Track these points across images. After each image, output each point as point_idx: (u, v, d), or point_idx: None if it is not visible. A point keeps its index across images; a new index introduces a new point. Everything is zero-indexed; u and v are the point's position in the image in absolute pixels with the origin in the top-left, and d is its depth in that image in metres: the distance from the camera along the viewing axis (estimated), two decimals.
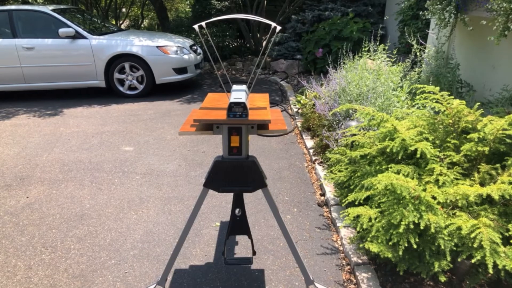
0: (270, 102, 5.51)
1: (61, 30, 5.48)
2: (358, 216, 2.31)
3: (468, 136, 2.24)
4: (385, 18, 7.40)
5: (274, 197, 3.00)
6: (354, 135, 2.82)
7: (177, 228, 2.60)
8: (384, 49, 4.36)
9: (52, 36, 5.59)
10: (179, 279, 2.15)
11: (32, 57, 5.56)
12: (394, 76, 3.83)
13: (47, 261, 2.29)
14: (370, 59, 4.44)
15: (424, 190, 2.04)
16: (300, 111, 4.90)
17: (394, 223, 1.89)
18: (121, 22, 13.45)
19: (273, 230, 2.59)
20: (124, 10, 14.08)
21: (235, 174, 1.71)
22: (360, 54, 4.99)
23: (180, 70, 5.94)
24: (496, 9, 2.86)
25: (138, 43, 5.67)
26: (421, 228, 1.82)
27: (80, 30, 5.63)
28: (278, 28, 1.61)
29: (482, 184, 2.07)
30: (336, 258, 2.31)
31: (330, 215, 2.75)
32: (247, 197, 2.99)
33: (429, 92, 2.58)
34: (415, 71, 3.98)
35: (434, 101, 2.47)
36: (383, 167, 2.35)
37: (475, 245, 1.75)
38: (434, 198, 2.00)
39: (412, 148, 2.22)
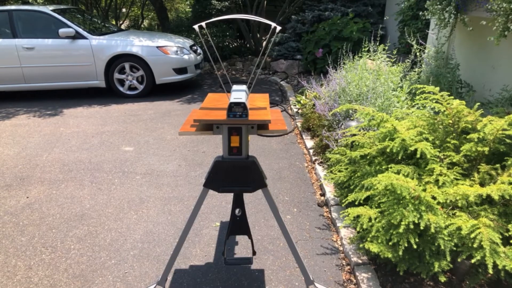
0: (270, 102, 5.51)
1: (61, 30, 5.48)
2: (358, 216, 2.32)
3: (468, 136, 2.24)
4: (385, 18, 7.40)
5: (274, 197, 3.00)
6: (354, 135, 2.83)
7: (177, 228, 2.61)
8: (384, 49, 4.36)
9: (52, 36, 5.59)
10: (179, 279, 2.15)
11: (32, 57, 5.56)
12: (394, 76, 3.83)
13: (47, 261, 2.29)
14: (370, 59, 4.44)
15: (424, 190, 2.04)
16: (300, 111, 4.90)
17: (394, 223, 1.89)
18: (121, 22, 13.46)
19: (273, 230, 2.59)
20: (124, 10, 14.09)
21: (235, 174, 1.71)
22: (360, 54, 4.99)
23: (180, 70, 5.94)
24: (496, 9, 2.86)
25: (138, 43, 5.67)
26: (421, 228, 1.82)
27: (80, 30, 5.63)
28: (278, 28, 1.61)
29: (482, 184, 2.08)
30: (336, 258, 2.31)
31: (330, 215, 2.75)
32: (247, 197, 2.99)
33: (429, 92, 2.58)
34: (415, 71, 3.98)
35: (434, 101, 2.47)
36: (383, 167, 2.36)
37: (475, 245, 1.75)
38: (434, 198, 2.00)
39: (412, 148, 2.22)
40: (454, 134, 2.35)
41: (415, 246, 1.83)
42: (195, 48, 6.47)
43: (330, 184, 3.03)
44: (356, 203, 2.29)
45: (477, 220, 1.84)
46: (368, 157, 2.54)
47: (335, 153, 2.96)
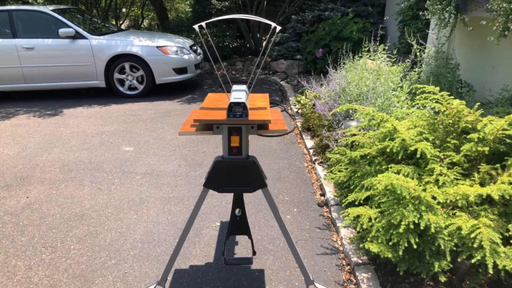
0: (270, 102, 5.51)
1: (61, 30, 5.48)
2: (358, 216, 2.32)
3: (468, 136, 2.24)
4: (385, 18, 7.40)
5: (274, 197, 3.00)
6: (354, 135, 2.82)
7: (177, 228, 2.61)
8: (384, 49, 4.36)
9: (52, 36, 5.59)
10: (179, 279, 2.15)
11: (32, 57, 5.56)
12: (394, 76, 3.83)
13: (47, 261, 2.29)
14: (370, 59, 4.44)
15: (424, 190, 2.04)
16: (300, 111, 4.90)
17: (394, 223, 1.89)
18: (121, 22, 13.46)
19: (273, 230, 2.59)
20: (124, 10, 14.08)
21: (235, 174, 1.71)
22: (360, 54, 4.99)
23: (180, 70, 5.94)
24: (496, 9, 2.86)
25: (138, 43, 5.67)
26: (421, 228, 1.82)
27: (80, 30, 5.63)
28: (278, 28, 1.61)
29: (482, 184, 2.07)
30: (336, 258, 2.31)
31: (330, 215, 2.75)
32: (247, 197, 2.99)
33: (429, 92, 2.58)
34: (415, 71, 3.98)
35: (434, 101, 2.47)
36: (383, 167, 2.35)
37: (475, 245, 1.75)
38: (434, 198, 2.00)
39: (412, 148, 2.22)
40: (454, 134, 2.35)
41: (415, 246, 1.83)
42: (195, 48, 6.47)
43: (330, 184, 3.03)
44: (356, 203, 2.29)
45: (477, 220, 1.84)
46: (368, 157, 2.54)
47: (335, 153, 2.96)
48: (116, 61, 5.70)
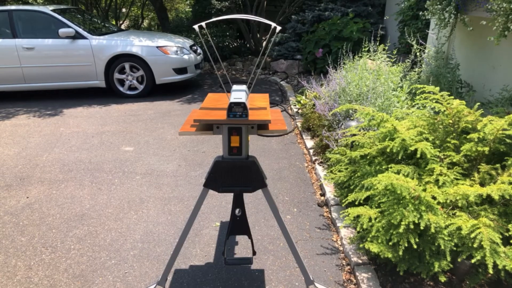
0: (270, 102, 5.51)
1: (61, 30, 5.48)
2: (358, 216, 2.32)
3: (468, 136, 2.24)
4: (385, 18, 7.40)
5: (274, 197, 3.00)
6: (354, 135, 2.82)
7: (177, 228, 2.61)
8: (384, 49, 4.36)
9: (52, 36, 5.59)
10: (179, 279, 2.15)
11: (32, 57, 5.56)
12: (394, 76, 3.83)
13: (47, 261, 2.29)
14: (370, 59, 4.44)
15: (424, 190, 2.04)
16: (300, 111, 4.90)
17: (394, 223, 1.89)
18: (121, 22, 13.46)
19: (273, 230, 2.59)
20: (124, 10, 14.09)
21: (235, 174, 1.71)
22: (360, 54, 4.99)
23: (180, 70, 5.94)
24: (496, 9, 2.86)
25: (138, 43, 5.67)
26: (421, 228, 1.82)
27: (80, 30, 5.63)
28: (278, 28, 1.61)
29: (482, 184, 2.08)
30: (336, 258, 2.31)
31: (330, 215, 2.75)
32: (247, 197, 2.99)
33: (429, 92, 2.58)
34: (415, 71, 3.98)
35: (434, 101, 2.47)
36: (383, 167, 2.36)
37: (475, 245, 1.75)
38: (434, 198, 2.00)
39: (412, 148, 2.22)
40: (454, 134, 2.35)
41: (415, 246, 1.83)
42: (195, 48, 6.47)
43: (330, 184, 3.03)
44: (356, 203, 2.29)
45: (477, 220, 1.84)
46: (368, 157, 2.54)
47: (335, 153, 2.96)
48: (116, 61, 5.70)
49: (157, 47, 5.72)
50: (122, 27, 13.33)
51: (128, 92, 5.93)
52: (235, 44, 8.83)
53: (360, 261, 2.18)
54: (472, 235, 1.77)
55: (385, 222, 1.95)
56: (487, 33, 3.53)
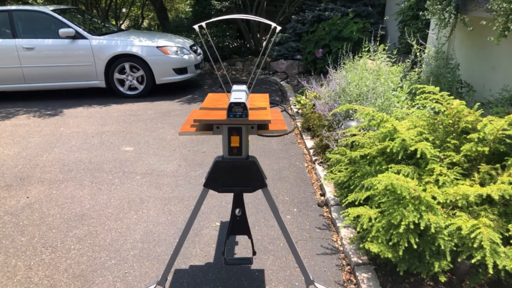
0: (270, 102, 5.51)
1: (61, 30, 5.48)
2: (358, 216, 2.32)
3: (468, 136, 2.24)
4: (385, 18, 7.40)
5: (274, 197, 3.00)
6: (354, 135, 2.83)
7: (177, 228, 2.61)
8: (384, 49, 4.36)
9: (52, 36, 5.59)
10: (179, 279, 2.15)
11: (32, 57, 5.56)
12: (394, 76, 3.83)
13: (47, 261, 2.29)
14: (370, 59, 4.44)
15: (424, 190, 2.04)
16: (300, 111, 4.90)
17: (394, 223, 1.89)
18: (121, 22, 13.46)
19: (273, 230, 2.59)
20: (124, 10, 14.09)
21: (235, 174, 1.71)
22: (360, 54, 4.99)
23: (180, 70, 5.94)
24: (496, 9, 2.86)
25: (138, 44, 5.67)
26: (421, 228, 1.82)
27: (80, 30, 5.63)
28: (278, 28, 1.61)
29: (482, 184, 2.08)
30: (336, 258, 2.31)
31: (330, 215, 2.75)
32: (247, 197, 2.99)
33: (429, 92, 2.58)
34: (415, 71, 3.98)
35: (434, 101, 2.47)
36: (383, 167, 2.36)
37: (475, 245, 1.75)
38: (434, 198, 2.00)
39: (412, 148, 2.22)
40: (454, 134, 2.35)
41: (415, 246, 1.83)
42: (195, 48, 6.47)
43: (330, 184, 3.03)
44: (356, 203, 2.29)
45: (477, 220, 1.84)
46: (368, 157, 2.54)
47: (335, 153, 2.96)
48: (116, 61, 5.70)
49: (157, 47, 5.72)
50: (122, 27, 13.33)
51: (128, 92, 5.93)
52: (235, 44, 8.83)
53: (360, 261, 2.18)
54: (472, 235, 1.77)
55: (385, 222, 1.95)
56: (487, 33, 3.53)
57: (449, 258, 1.82)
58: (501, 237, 1.80)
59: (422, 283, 2.04)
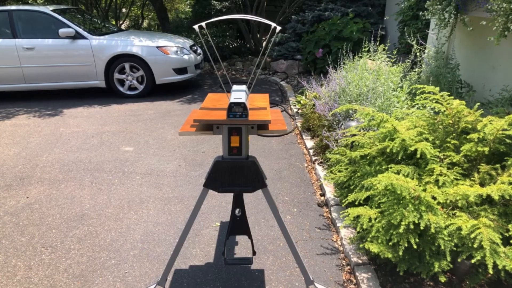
0: (270, 102, 5.51)
1: (61, 30, 5.48)
2: (358, 216, 2.32)
3: (468, 137, 2.24)
4: (385, 18, 7.40)
5: (274, 197, 3.00)
6: (354, 135, 2.83)
7: (177, 228, 2.61)
8: (384, 50, 4.36)
9: (52, 36, 5.59)
10: (179, 279, 2.15)
11: (32, 57, 5.56)
12: (394, 77, 3.83)
13: (47, 261, 2.29)
14: (370, 59, 4.44)
15: (424, 190, 2.04)
16: (300, 111, 4.90)
17: (394, 223, 1.89)
18: (121, 22, 13.46)
19: (273, 230, 2.59)
20: (124, 10, 14.09)
21: (235, 174, 1.71)
22: (360, 55, 4.99)
23: (180, 70, 5.94)
24: (496, 9, 2.86)
25: (138, 44, 5.67)
26: (421, 228, 1.82)
27: (80, 30, 5.63)
28: (278, 28, 1.61)
29: (482, 185, 2.08)
30: (336, 258, 2.31)
31: (330, 215, 2.75)
32: (247, 197, 2.99)
33: (429, 93, 2.58)
34: (415, 72, 3.98)
35: (434, 101, 2.47)
36: (383, 167, 2.36)
37: (475, 245, 1.75)
38: (434, 198, 2.00)
39: (412, 149, 2.22)
40: (454, 134, 2.35)
41: (415, 246, 1.83)
42: (195, 48, 6.47)
43: (330, 184, 3.03)
44: (356, 203, 2.29)
45: (477, 220, 1.84)
46: (368, 157, 2.54)
47: (335, 153, 2.96)
48: (116, 61, 5.70)
49: (157, 47, 5.72)
50: (122, 27, 13.33)
51: (128, 92, 5.93)
52: (235, 44, 8.83)
53: (360, 261, 2.18)
54: (472, 235, 1.77)
55: (385, 222, 1.95)
56: (487, 33, 3.53)
57: (449, 258, 1.82)
58: (501, 237, 1.80)
59: (422, 283, 2.04)
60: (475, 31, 3.76)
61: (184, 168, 3.51)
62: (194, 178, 3.33)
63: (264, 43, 8.75)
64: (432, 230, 1.82)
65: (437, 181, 2.11)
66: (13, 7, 5.63)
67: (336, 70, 5.26)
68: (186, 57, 5.97)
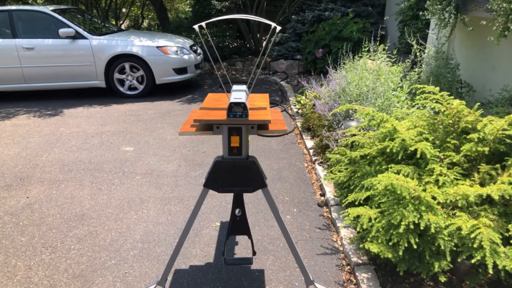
0: (270, 102, 5.51)
1: (61, 30, 5.48)
2: (358, 216, 2.32)
3: (468, 136, 2.24)
4: (385, 18, 7.40)
5: (274, 197, 3.00)
6: (354, 135, 2.83)
7: (177, 228, 2.61)
8: (384, 49, 4.36)
9: (52, 36, 5.59)
10: (179, 279, 2.15)
11: (32, 57, 5.56)
12: (394, 76, 3.83)
13: (47, 261, 2.29)
14: (370, 59, 4.44)
15: (424, 190, 2.04)
16: (300, 111, 4.90)
17: (394, 223, 1.89)
18: (121, 22, 13.46)
19: (273, 230, 2.59)
20: (124, 10, 14.08)
21: (235, 174, 1.71)
22: (360, 54, 4.99)
23: (180, 70, 5.94)
24: (496, 9, 2.86)
25: (138, 43, 5.67)
26: (421, 228, 1.82)
27: (80, 30, 5.63)
28: (278, 28, 1.61)
29: (482, 185, 2.08)
30: (336, 258, 2.31)
31: (330, 215, 2.75)
32: (247, 197, 2.99)
33: (429, 92, 2.58)
34: (415, 71, 3.98)
35: (434, 101, 2.47)
36: (383, 167, 2.36)
37: (475, 246, 1.75)
38: (434, 198, 2.00)
39: (412, 148, 2.22)
40: (454, 134, 2.35)
41: (415, 246, 1.83)
42: (195, 48, 6.47)
43: (330, 184, 3.03)
44: (356, 203, 2.29)
45: (477, 220, 1.84)
46: (368, 157, 2.54)
47: (335, 153, 2.96)
48: (116, 61, 5.70)
49: (157, 47, 5.72)
50: (122, 27, 13.33)
51: (128, 92, 5.93)
52: (235, 44, 8.83)
53: (360, 261, 2.18)
54: (472, 235, 1.77)
55: (385, 222, 1.95)
56: (487, 33, 3.53)
57: (449, 258, 1.82)
58: (501, 237, 1.80)
59: (422, 283, 2.04)
60: (475, 31, 3.76)
61: (184, 168, 3.51)
62: (194, 178, 3.33)
63: (264, 43, 8.75)
64: (432, 230, 1.82)
65: (437, 181, 2.11)
66: (13, 7, 5.63)
67: (336, 70, 5.26)
68: (186, 57, 5.97)
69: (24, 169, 3.52)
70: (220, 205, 2.89)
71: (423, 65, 4.20)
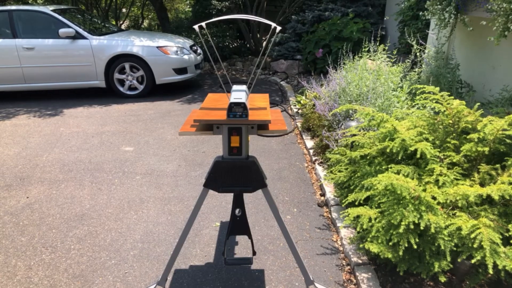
0: (270, 103, 5.51)
1: (61, 30, 5.48)
2: (358, 216, 2.32)
3: (468, 137, 2.24)
4: (385, 18, 7.41)
5: (274, 197, 3.00)
6: (354, 135, 2.83)
7: (177, 228, 2.61)
8: (384, 50, 4.36)
9: (52, 36, 5.59)
10: (179, 279, 2.15)
11: (32, 57, 5.56)
12: (394, 77, 3.83)
13: (47, 261, 2.29)
14: (370, 59, 4.44)
15: (424, 190, 2.04)
16: (300, 111, 4.90)
17: (394, 223, 1.89)
18: (121, 22, 13.46)
19: (273, 230, 2.59)
20: (124, 10, 14.08)
21: (235, 174, 1.71)
22: (360, 55, 4.99)
23: (180, 70, 5.94)
24: (496, 9, 2.86)
25: (138, 44, 5.67)
26: (421, 228, 1.82)
27: (80, 30, 5.63)
28: (278, 28, 1.61)
29: (482, 185, 2.08)
30: (336, 258, 2.31)
31: (330, 215, 2.75)
32: (247, 197, 2.99)
33: (429, 93, 2.58)
34: (415, 72, 3.98)
35: (434, 101, 2.47)
36: (383, 167, 2.36)
37: (475, 246, 1.75)
38: (434, 198, 2.00)
39: (412, 149, 2.22)
40: (454, 134, 2.35)
41: (415, 246, 1.83)
42: (195, 48, 6.47)
43: (330, 184, 3.03)
44: (356, 203, 2.29)
45: (477, 220, 1.84)
46: (368, 157, 2.54)
47: (335, 153, 2.96)
48: (116, 61, 5.70)
49: (157, 47, 5.72)
50: (122, 27, 13.33)
51: (128, 92, 5.93)
52: (235, 44, 8.83)
53: (360, 261, 2.18)
54: (472, 235, 1.77)
55: (385, 222, 1.95)
56: (487, 33, 3.53)
57: (449, 258, 1.82)
58: (501, 237, 1.80)
59: (422, 283, 2.04)
60: (475, 31, 3.76)
61: (184, 168, 3.51)
62: (194, 178, 3.33)
63: (264, 43, 8.75)
64: (432, 230, 1.82)
65: (437, 181, 2.11)
66: (13, 7, 5.63)
67: (336, 70, 5.26)
68: (186, 57, 5.97)
69: (24, 169, 3.52)
70: (220, 205, 2.89)
71: (423, 65, 4.20)
